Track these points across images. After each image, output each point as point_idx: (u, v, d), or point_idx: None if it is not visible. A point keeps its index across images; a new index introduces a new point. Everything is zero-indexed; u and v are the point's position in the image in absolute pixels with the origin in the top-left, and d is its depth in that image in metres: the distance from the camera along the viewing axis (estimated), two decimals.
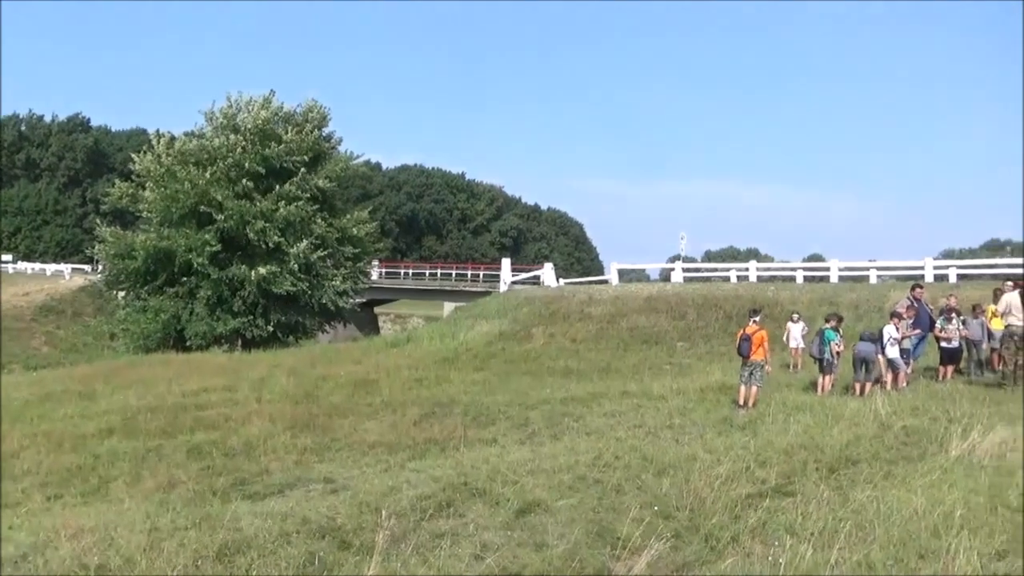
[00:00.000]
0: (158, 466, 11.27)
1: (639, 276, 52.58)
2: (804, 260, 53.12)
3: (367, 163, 50.57)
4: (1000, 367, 13.12)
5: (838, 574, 4.88)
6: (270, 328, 34.19)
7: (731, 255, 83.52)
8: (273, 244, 33.64)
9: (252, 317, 33.96)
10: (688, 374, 19.02)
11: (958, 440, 8.25)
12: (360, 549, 6.25)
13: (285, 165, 34.93)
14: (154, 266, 34.09)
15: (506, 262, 42.20)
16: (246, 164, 34.09)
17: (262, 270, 32.93)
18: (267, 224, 33.53)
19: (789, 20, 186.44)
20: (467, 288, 48.30)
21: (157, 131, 37.92)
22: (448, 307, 44.31)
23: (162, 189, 33.91)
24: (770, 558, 5.23)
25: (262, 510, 7.61)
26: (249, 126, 35.28)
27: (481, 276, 50.74)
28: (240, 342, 34.16)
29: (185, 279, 33.86)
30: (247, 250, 34.32)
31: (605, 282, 35.85)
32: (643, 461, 8.65)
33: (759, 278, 32.13)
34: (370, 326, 50.90)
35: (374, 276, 49.02)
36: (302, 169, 34.85)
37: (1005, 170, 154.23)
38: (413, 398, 17.19)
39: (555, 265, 47.30)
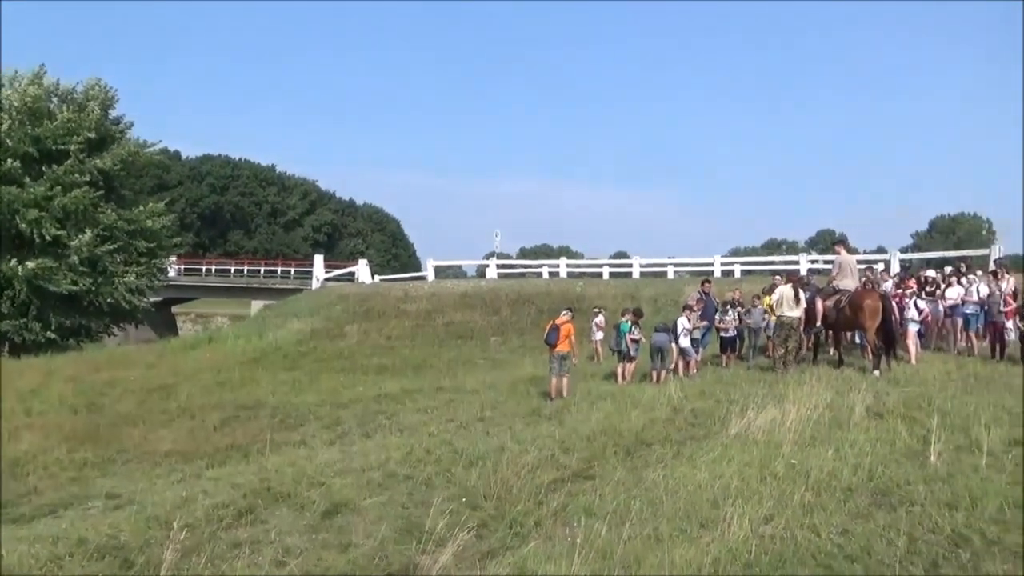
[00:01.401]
0: None
1: (456, 272, 53.16)
2: (611, 257, 56.41)
3: (164, 151, 46.49)
4: (772, 353, 14.64)
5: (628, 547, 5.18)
6: (49, 333, 30.38)
7: (545, 252, 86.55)
8: (51, 236, 29.94)
9: (23, 319, 30.01)
10: (501, 368, 19.53)
11: (736, 419, 9.07)
12: (146, 566, 5.76)
13: (60, 147, 31.08)
14: None
15: (319, 258, 40.86)
16: (10, 143, 30.00)
17: (31, 265, 29.09)
18: (42, 214, 29.79)
19: (591, 21, 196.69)
20: (277, 285, 46.14)
21: None
22: (256, 305, 42.11)
23: None
24: (568, 538, 5.45)
25: (28, 534, 6.84)
26: (16, 103, 31.08)
27: (292, 273, 48.64)
28: (7, 347, 30.10)
29: None
30: (17, 243, 30.29)
31: (422, 279, 35.84)
32: (454, 454, 8.72)
33: (569, 274, 33.67)
34: (167, 327, 47.02)
35: (171, 273, 45.43)
36: (72, 148, 30.97)
37: (784, 176, 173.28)
38: (214, 402, 16.20)
39: (371, 261, 46.60)
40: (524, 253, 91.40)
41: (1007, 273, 14.02)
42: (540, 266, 36.71)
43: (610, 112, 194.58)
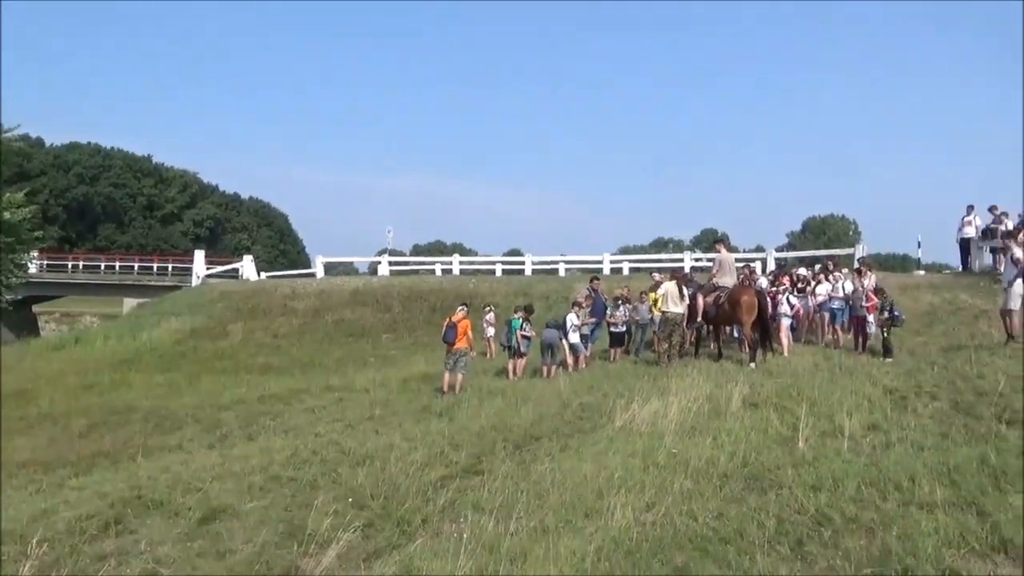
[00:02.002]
0: None
1: (347, 269, 52.07)
2: (504, 255, 56.70)
3: (24, 137, 42.89)
4: (657, 347, 15.15)
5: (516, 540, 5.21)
6: None
7: (438, 249, 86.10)
8: None
9: None
10: (392, 365, 19.29)
11: (622, 412, 9.32)
12: None
13: None
14: None
15: (199, 254, 38.96)
16: None
17: None
18: None
19: (479, 19, 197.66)
20: (153, 283, 43.62)
21: None
22: (129, 304, 39.60)
23: None
24: (455, 534, 5.42)
25: None
26: None
27: (170, 269, 46.10)
28: None
29: None
30: None
31: (311, 276, 34.89)
32: (341, 454, 8.53)
33: (463, 271, 33.67)
34: (27, 327, 43.46)
35: (33, 269, 41.98)
36: None
37: (669, 176, 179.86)
38: (80, 407, 15.19)
39: (257, 258, 44.96)
40: (417, 250, 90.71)
41: (869, 271, 15.11)
42: (433, 263, 36.51)
43: (505, 111, 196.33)
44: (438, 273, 33.73)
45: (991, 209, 19.59)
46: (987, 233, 19.57)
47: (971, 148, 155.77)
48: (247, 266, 37.14)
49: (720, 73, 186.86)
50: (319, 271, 34.97)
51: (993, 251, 19.06)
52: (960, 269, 21.66)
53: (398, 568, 5.08)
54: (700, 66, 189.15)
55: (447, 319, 14.48)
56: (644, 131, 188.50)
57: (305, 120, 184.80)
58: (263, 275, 37.18)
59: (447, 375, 13.70)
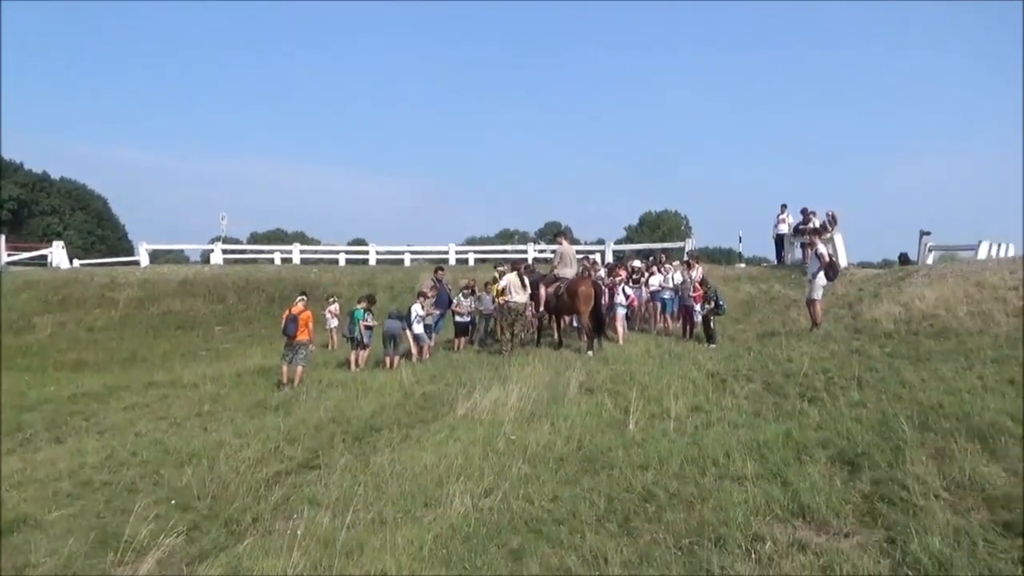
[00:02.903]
0: None
1: (176, 257, 48.67)
2: (348, 244, 55.27)
3: None
4: (499, 336, 15.38)
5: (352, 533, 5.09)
6: None
7: (278, 237, 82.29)
8: None
9: None
10: (226, 359, 18.25)
11: (464, 400, 9.39)
12: None
13: None
14: None
15: None
16: None
17: None
18: None
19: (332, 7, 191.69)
20: None
21: None
22: None
23: None
24: (289, 531, 5.22)
25: None
26: None
27: None
28: None
29: None
30: None
31: (135, 263, 32.25)
32: (164, 454, 7.96)
33: (304, 260, 32.51)
34: None
35: None
36: None
37: (520, 168, 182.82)
38: None
39: (70, 244, 40.92)
40: (256, 238, 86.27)
41: (697, 263, 16.17)
42: (272, 252, 34.93)
43: (352, 95, 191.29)
44: (277, 262, 32.37)
45: (803, 210, 21.60)
46: (798, 230, 21.54)
47: (786, 151, 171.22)
48: (57, 252, 33.73)
49: (567, 74, 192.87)
50: (143, 259, 32.39)
51: (802, 246, 21.01)
52: (775, 262, 23.69)
53: (224, 570, 4.82)
54: (543, 66, 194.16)
55: (287, 310, 13.91)
56: (493, 124, 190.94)
57: (128, 93, 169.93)
58: (76, 262, 33.96)
59: (285, 368, 13.19)
